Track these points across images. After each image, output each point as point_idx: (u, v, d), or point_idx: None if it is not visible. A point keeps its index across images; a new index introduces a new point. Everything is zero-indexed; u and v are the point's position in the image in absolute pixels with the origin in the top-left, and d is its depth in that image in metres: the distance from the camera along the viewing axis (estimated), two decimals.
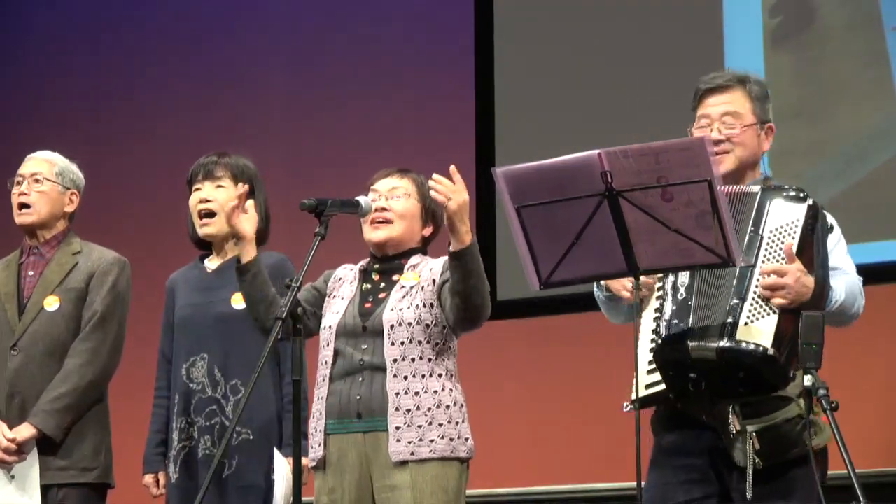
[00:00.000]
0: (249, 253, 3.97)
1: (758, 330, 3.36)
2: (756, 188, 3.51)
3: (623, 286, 3.58)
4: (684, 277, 3.46)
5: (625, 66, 6.08)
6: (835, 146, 5.67)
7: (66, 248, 4.61)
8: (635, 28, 6.11)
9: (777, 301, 3.37)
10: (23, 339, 4.49)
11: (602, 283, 3.66)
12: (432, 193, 3.75)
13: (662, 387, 3.42)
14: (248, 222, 3.97)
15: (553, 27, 6.32)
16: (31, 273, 4.59)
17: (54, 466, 4.42)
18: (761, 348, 3.34)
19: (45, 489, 4.39)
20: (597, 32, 6.21)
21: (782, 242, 3.43)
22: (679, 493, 3.51)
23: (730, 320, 3.37)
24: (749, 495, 3.38)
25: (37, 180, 4.62)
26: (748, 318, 3.37)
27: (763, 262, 3.42)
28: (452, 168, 3.72)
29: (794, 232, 3.43)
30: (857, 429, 4.18)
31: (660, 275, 3.51)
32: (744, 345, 3.35)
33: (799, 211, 3.45)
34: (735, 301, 3.38)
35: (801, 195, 3.48)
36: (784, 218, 3.45)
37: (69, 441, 4.44)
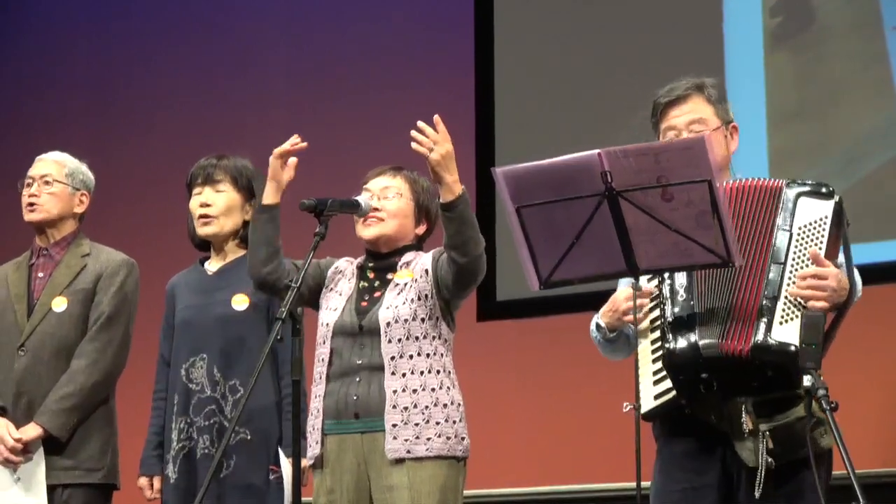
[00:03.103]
0: (276, 197, 3.95)
1: (792, 330, 3.32)
2: (781, 182, 3.48)
3: (623, 311, 3.53)
4: (682, 279, 3.44)
5: (625, 66, 6.07)
6: (835, 146, 5.66)
7: (75, 250, 4.61)
8: (635, 28, 6.11)
9: (818, 304, 3.33)
10: (30, 339, 4.49)
11: (602, 325, 3.62)
12: (413, 144, 3.72)
13: (673, 394, 3.38)
14: (287, 172, 3.95)
15: (553, 27, 6.32)
16: (40, 275, 4.59)
17: (60, 466, 4.42)
18: (794, 348, 3.29)
19: (51, 489, 4.40)
20: (597, 32, 6.21)
21: (813, 240, 3.40)
22: (688, 500, 3.48)
23: (764, 320, 3.33)
24: (758, 494, 3.35)
25: (46, 182, 4.62)
26: (782, 318, 3.34)
27: (794, 259, 3.39)
28: (437, 118, 3.71)
29: (824, 229, 3.41)
30: (857, 429, 4.18)
31: (655, 282, 3.49)
32: (779, 345, 3.31)
33: (827, 207, 3.43)
34: (766, 302, 3.35)
35: (828, 190, 3.46)
36: (813, 214, 3.42)
37: (75, 441, 4.44)
